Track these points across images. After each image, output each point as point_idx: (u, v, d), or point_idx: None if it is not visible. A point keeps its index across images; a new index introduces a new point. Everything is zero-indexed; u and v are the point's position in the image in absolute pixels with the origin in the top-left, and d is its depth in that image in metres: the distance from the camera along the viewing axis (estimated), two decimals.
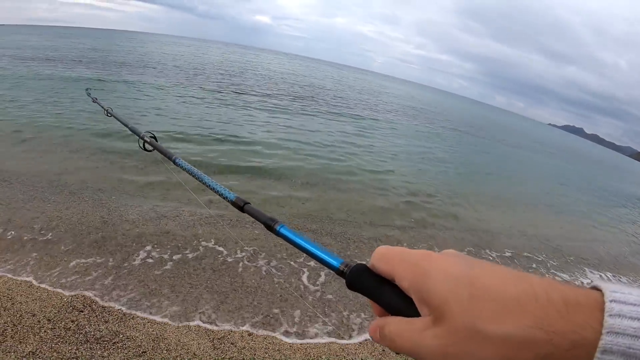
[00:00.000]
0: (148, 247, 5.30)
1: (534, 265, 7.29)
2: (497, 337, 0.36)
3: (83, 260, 4.85)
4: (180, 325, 4.02)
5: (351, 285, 0.55)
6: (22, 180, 6.86)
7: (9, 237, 5.14)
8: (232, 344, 3.85)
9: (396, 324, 0.46)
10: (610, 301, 0.35)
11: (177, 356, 3.59)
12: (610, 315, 0.34)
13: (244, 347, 3.83)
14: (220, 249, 5.56)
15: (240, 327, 4.13)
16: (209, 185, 1.08)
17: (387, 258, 0.50)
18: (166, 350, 3.64)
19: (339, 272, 0.58)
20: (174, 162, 1.42)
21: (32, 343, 3.50)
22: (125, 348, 3.59)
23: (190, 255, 5.28)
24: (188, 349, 3.69)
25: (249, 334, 4.04)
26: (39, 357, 3.37)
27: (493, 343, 0.36)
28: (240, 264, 5.25)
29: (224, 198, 1.00)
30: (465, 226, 8.45)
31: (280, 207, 7.45)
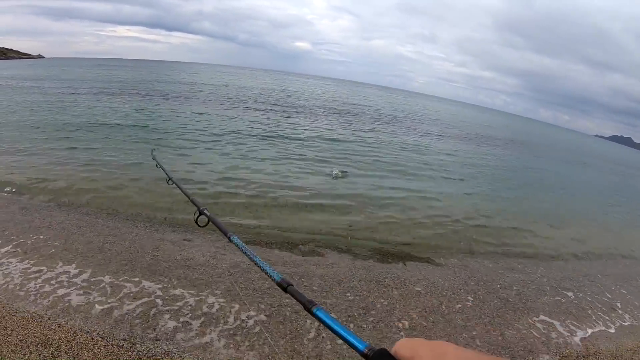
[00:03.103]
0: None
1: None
2: None
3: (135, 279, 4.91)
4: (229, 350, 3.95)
5: None
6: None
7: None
8: None
9: None
10: None
11: None
12: None
13: None
14: None
15: None
16: (259, 264, 1.16)
17: (409, 346, 0.57)
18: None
19: (364, 355, 0.66)
20: (229, 239, 1.47)
21: (86, 359, 3.53)
22: None
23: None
24: None
25: None
26: None
27: None
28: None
29: (271, 278, 1.07)
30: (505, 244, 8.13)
31: None
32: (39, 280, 4.87)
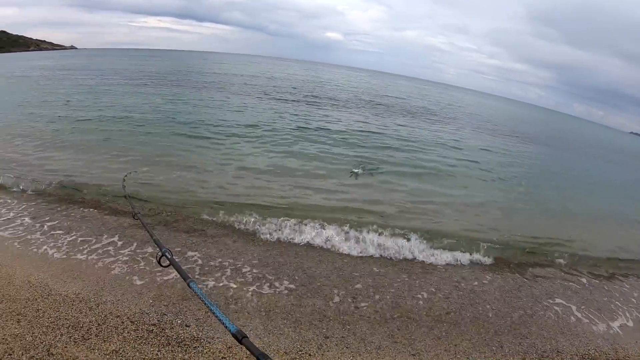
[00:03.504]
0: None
1: None
2: None
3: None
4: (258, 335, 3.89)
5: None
6: None
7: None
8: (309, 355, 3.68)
9: None
10: None
11: None
12: None
13: None
14: None
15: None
16: (216, 314, 1.15)
17: None
18: (246, 358, 3.51)
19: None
20: (188, 285, 1.47)
21: (115, 342, 3.54)
22: (203, 351, 3.51)
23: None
24: None
25: None
26: (121, 356, 3.38)
27: None
28: None
29: (225, 327, 1.08)
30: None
31: None
32: (77, 258, 4.96)
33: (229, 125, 15.30)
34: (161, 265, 1.85)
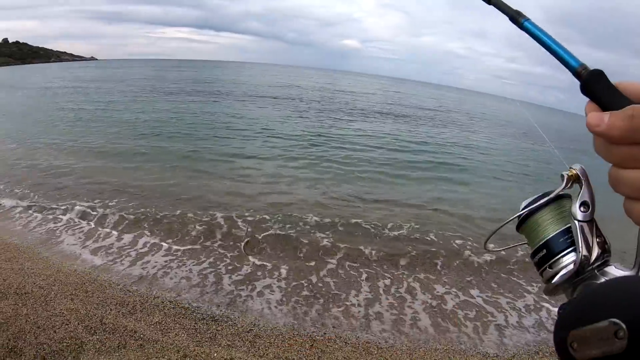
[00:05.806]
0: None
1: None
2: None
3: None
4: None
5: (585, 87, 0.53)
6: None
7: None
8: None
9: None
10: None
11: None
12: None
13: None
14: None
15: None
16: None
17: None
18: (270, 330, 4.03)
19: (576, 73, 0.55)
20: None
21: (158, 316, 4.11)
22: (234, 325, 4.06)
23: None
24: None
25: None
26: (164, 326, 3.94)
27: None
28: None
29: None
30: None
31: None
32: (118, 252, 5.53)
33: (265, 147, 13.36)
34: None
